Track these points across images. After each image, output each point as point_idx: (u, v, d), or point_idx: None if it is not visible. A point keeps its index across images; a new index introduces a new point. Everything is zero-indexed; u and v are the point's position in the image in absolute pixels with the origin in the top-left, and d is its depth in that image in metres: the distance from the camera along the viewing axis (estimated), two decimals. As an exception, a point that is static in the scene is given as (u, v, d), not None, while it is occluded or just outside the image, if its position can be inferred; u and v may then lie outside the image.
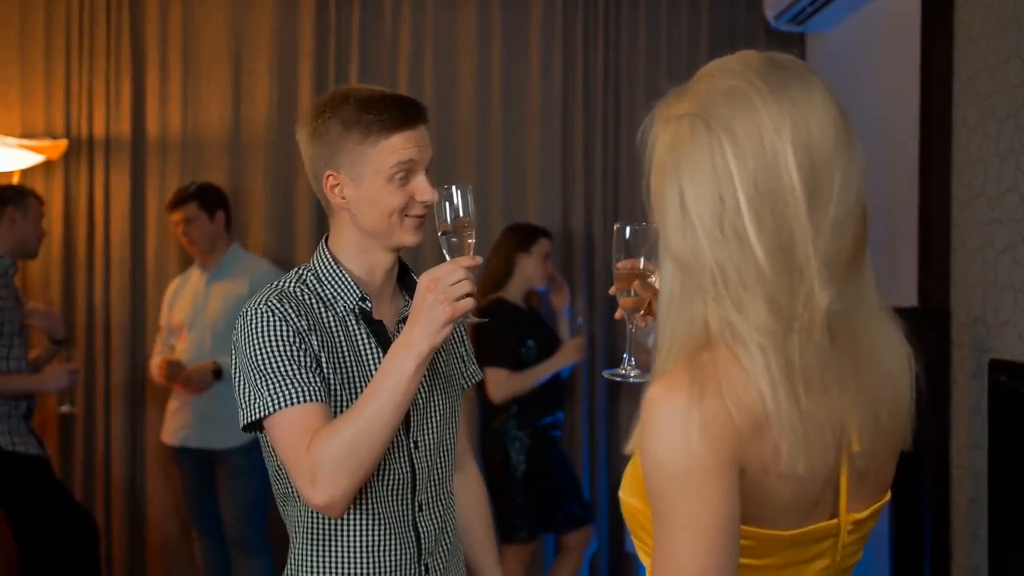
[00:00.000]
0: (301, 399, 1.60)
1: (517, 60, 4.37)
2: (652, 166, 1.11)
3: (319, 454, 1.55)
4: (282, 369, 1.61)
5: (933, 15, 3.07)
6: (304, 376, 1.62)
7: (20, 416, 3.50)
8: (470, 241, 1.63)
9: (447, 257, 1.62)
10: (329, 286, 1.74)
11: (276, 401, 1.60)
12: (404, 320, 1.77)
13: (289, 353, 1.63)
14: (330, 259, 1.76)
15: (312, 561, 1.72)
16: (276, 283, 1.75)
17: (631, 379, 1.61)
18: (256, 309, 1.66)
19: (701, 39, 4.41)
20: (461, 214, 1.63)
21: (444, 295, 1.54)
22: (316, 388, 1.62)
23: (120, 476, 4.23)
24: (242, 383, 1.66)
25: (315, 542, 1.72)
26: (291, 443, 1.59)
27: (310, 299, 1.72)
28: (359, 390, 1.68)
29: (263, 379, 1.62)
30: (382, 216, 1.70)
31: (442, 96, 4.32)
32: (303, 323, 1.66)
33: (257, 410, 1.62)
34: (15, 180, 4.04)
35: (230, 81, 4.28)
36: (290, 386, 1.60)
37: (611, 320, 4.37)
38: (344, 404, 1.67)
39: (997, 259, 2.75)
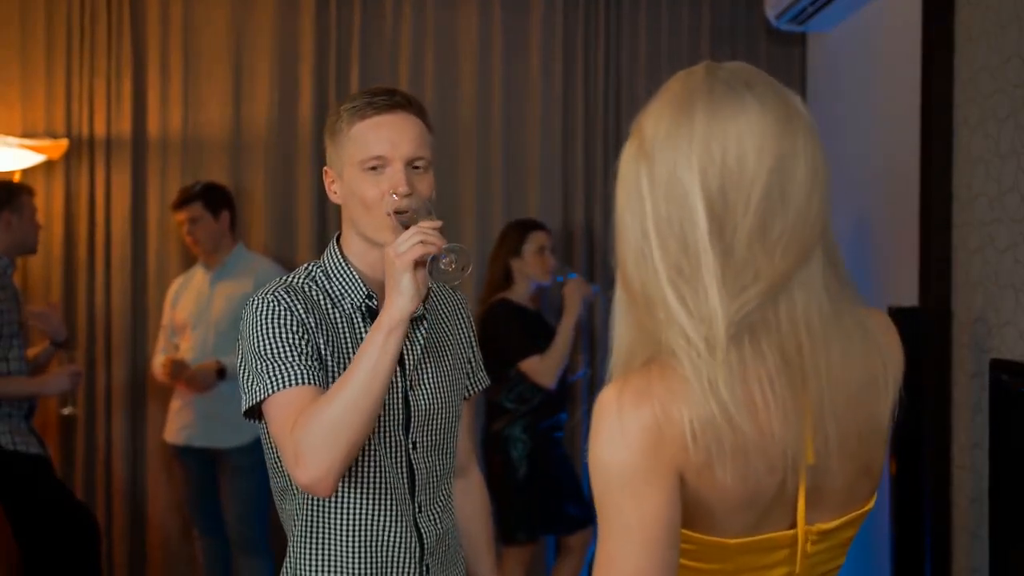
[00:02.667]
0: (296, 381, 1.60)
1: (518, 60, 4.37)
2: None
3: (302, 431, 1.54)
4: (281, 354, 1.62)
5: (934, 15, 3.07)
6: (303, 361, 1.62)
7: (21, 416, 3.50)
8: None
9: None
10: (337, 283, 1.75)
11: (272, 384, 1.61)
12: (412, 321, 1.77)
13: (290, 340, 1.63)
14: (339, 256, 1.77)
15: (310, 559, 1.72)
16: (285, 277, 1.77)
17: None
18: (263, 298, 1.68)
19: (702, 39, 4.40)
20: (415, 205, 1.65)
21: (394, 250, 1.56)
22: (314, 373, 1.62)
23: (121, 475, 4.23)
24: (244, 370, 1.67)
25: (313, 539, 1.72)
26: (280, 423, 1.59)
27: (318, 295, 1.73)
28: None
29: (263, 363, 1.62)
30: (362, 210, 1.71)
31: (443, 96, 4.32)
32: (310, 318, 1.67)
33: (256, 394, 1.63)
34: (16, 180, 4.04)
35: (231, 81, 4.28)
36: (288, 369, 1.61)
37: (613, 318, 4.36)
38: None
39: (998, 259, 2.75)
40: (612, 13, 4.38)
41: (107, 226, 4.24)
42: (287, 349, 1.63)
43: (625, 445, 1.04)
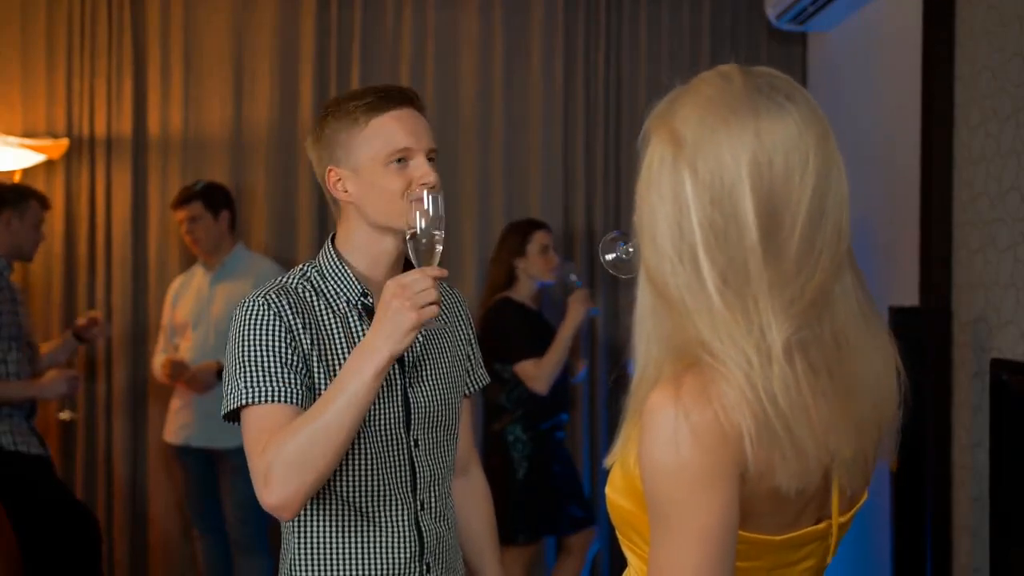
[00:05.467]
0: (272, 398, 1.60)
1: (518, 59, 4.37)
2: (639, 180, 1.13)
3: (272, 455, 1.55)
4: (263, 363, 1.62)
5: (934, 14, 3.07)
6: (283, 375, 1.62)
7: (22, 416, 3.49)
8: (439, 248, 1.60)
9: (414, 263, 1.60)
10: (332, 282, 1.75)
11: (248, 394, 1.61)
12: None
13: (275, 348, 1.63)
14: (334, 256, 1.78)
15: (309, 557, 1.72)
16: (280, 278, 1.77)
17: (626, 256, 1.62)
18: (253, 300, 1.68)
19: (703, 38, 4.40)
20: (432, 221, 1.59)
21: (411, 301, 1.53)
22: (292, 389, 1.62)
23: (122, 475, 4.23)
24: (226, 372, 1.67)
25: (312, 537, 1.72)
26: (252, 440, 1.60)
27: (311, 296, 1.73)
28: None
29: (243, 370, 1.62)
30: (386, 202, 1.70)
31: (444, 95, 4.32)
32: (298, 321, 1.67)
33: (232, 400, 1.63)
34: (16, 180, 4.04)
35: (231, 80, 4.28)
36: (266, 382, 1.61)
37: (612, 319, 4.38)
38: None
39: (999, 258, 2.75)
40: (612, 13, 4.38)
41: (107, 226, 4.24)
42: (270, 359, 1.62)
43: (694, 444, 1.03)
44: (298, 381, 1.63)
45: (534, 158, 4.37)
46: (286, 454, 1.53)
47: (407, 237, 1.61)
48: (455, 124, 4.34)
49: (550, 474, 3.76)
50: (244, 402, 1.61)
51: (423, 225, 1.59)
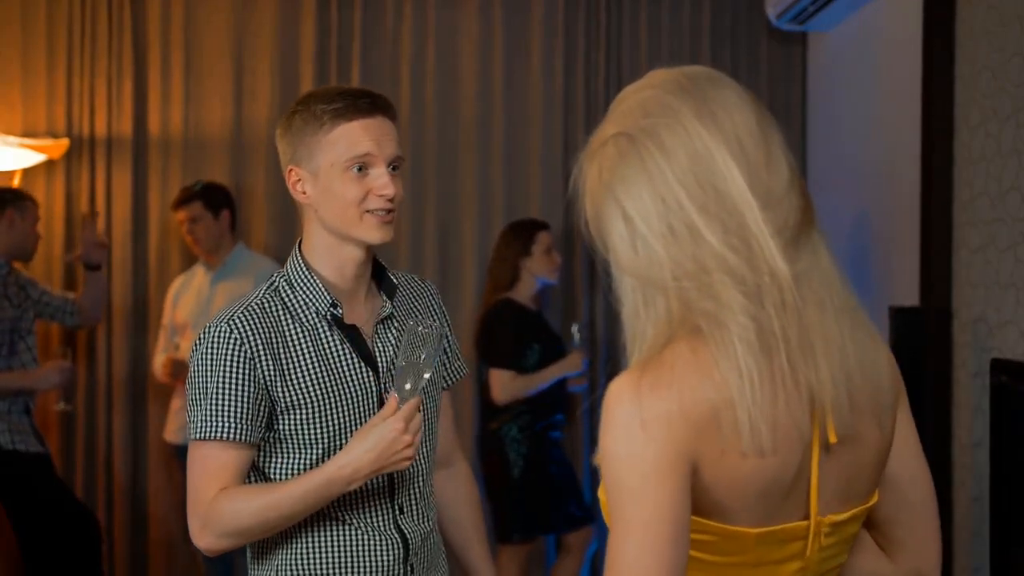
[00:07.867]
0: (221, 434, 1.62)
1: (519, 59, 4.37)
2: (586, 199, 1.14)
3: (217, 513, 1.61)
4: (219, 396, 1.63)
5: (934, 14, 3.07)
6: (238, 409, 1.62)
7: (20, 412, 3.49)
8: (426, 376, 1.63)
9: (396, 384, 1.62)
10: (300, 292, 1.72)
11: (201, 428, 1.63)
12: (382, 321, 1.75)
13: (232, 381, 1.63)
14: (301, 264, 1.74)
15: (293, 563, 1.72)
16: (248, 295, 1.74)
17: None
18: (217, 326, 1.66)
19: (703, 38, 4.41)
20: (429, 357, 1.63)
21: (414, 449, 1.61)
22: (244, 426, 1.63)
23: (122, 474, 4.23)
24: (188, 399, 1.68)
25: (295, 544, 1.72)
26: (196, 478, 1.64)
27: (278, 310, 1.70)
28: (328, 398, 1.68)
29: (199, 400, 1.64)
30: (340, 209, 1.69)
31: (444, 95, 4.32)
32: (260, 345, 1.65)
33: (188, 431, 1.66)
34: (17, 179, 4.04)
35: (232, 80, 4.29)
36: (219, 418, 1.62)
37: (614, 319, 4.37)
38: (309, 412, 1.66)
39: (999, 258, 2.75)
40: (613, 12, 4.38)
41: (108, 226, 4.24)
42: (226, 391, 1.63)
43: (645, 435, 1.03)
44: (251, 415, 1.63)
45: (534, 158, 4.37)
46: (227, 522, 1.62)
47: (401, 364, 1.62)
48: (455, 124, 4.33)
49: (546, 473, 3.76)
50: (194, 436, 1.64)
51: (423, 356, 1.62)
